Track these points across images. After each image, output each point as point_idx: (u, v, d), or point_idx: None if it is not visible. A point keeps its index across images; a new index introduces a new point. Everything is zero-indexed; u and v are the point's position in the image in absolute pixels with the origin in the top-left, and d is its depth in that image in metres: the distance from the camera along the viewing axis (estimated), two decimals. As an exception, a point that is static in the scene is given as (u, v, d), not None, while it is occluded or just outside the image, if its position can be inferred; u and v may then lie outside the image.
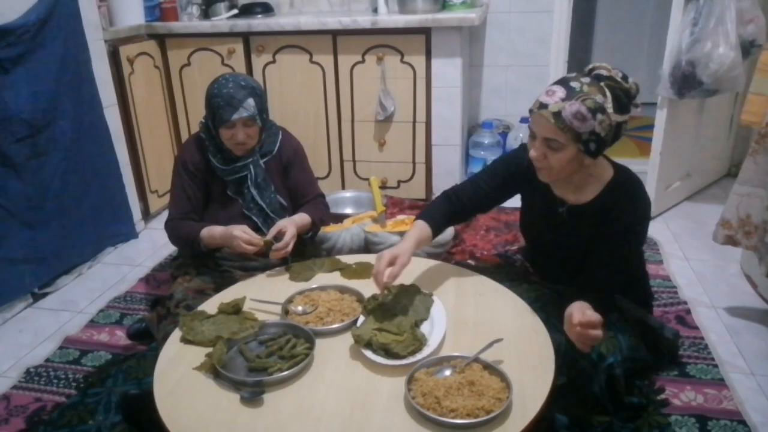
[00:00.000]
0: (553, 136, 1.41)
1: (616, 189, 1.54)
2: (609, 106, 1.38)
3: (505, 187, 1.72)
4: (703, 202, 3.04)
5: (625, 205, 1.51)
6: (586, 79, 1.41)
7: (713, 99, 2.70)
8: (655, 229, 2.75)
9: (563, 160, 1.44)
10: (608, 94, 1.39)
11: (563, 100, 1.38)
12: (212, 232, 1.86)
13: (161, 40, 3.10)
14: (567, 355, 1.46)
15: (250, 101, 1.83)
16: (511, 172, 1.68)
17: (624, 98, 1.40)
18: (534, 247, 1.84)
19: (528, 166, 1.58)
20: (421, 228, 1.66)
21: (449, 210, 1.73)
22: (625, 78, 1.41)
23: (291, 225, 1.85)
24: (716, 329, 2.02)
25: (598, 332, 1.33)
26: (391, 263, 1.52)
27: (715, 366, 1.82)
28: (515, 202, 1.79)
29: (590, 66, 1.45)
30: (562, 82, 1.42)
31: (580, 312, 1.33)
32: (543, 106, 1.40)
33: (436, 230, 1.68)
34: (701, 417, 1.61)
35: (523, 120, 3.36)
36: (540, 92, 1.45)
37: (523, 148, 1.65)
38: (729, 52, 2.38)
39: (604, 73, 1.41)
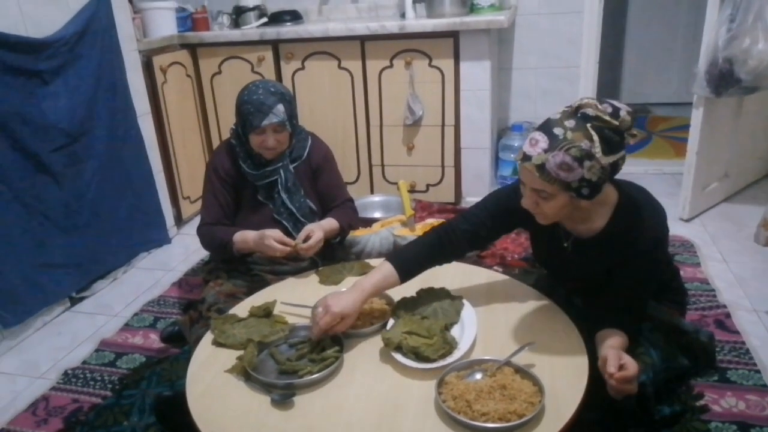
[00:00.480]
0: (540, 187, 1.33)
1: (623, 215, 1.43)
2: (597, 151, 1.27)
3: (503, 224, 1.62)
4: (742, 203, 2.94)
5: (638, 229, 1.41)
6: (571, 122, 1.29)
7: (752, 97, 2.62)
8: (691, 231, 2.68)
9: (555, 208, 1.36)
10: (595, 137, 1.27)
11: (546, 151, 1.28)
12: (245, 236, 1.88)
13: (193, 49, 3.17)
14: (597, 368, 1.41)
15: (280, 107, 1.85)
16: (509, 211, 1.56)
17: (615, 137, 1.29)
18: (550, 275, 1.78)
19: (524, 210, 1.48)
20: (385, 274, 1.50)
21: (430, 251, 1.57)
22: (615, 114, 1.29)
23: (319, 229, 1.86)
24: (758, 333, 1.95)
25: (632, 387, 1.26)
26: (337, 320, 1.41)
27: (758, 371, 1.75)
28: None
29: (577, 103, 1.32)
30: (545, 128, 1.32)
31: (616, 361, 1.24)
32: (526, 158, 1.31)
33: (405, 275, 1.52)
34: (743, 424, 1.55)
35: (554, 122, 3.31)
36: (525, 140, 1.35)
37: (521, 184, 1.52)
38: (768, 47, 2.31)
39: (591, 112, 1.28)
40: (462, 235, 1.57)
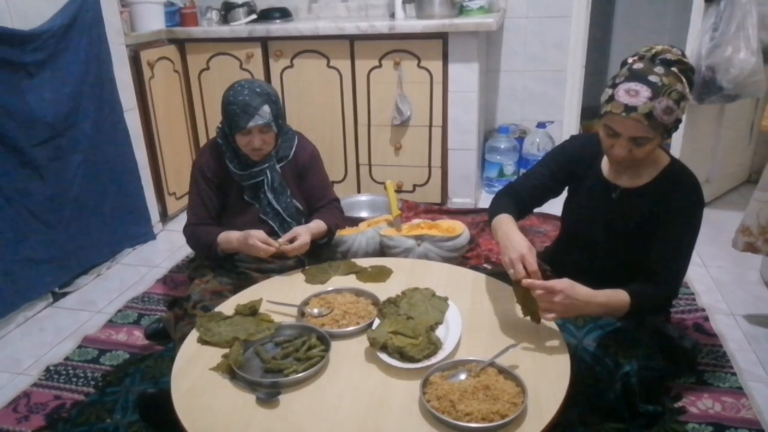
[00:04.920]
0: (643, 134, 1.40)
1: (673, 174, 1.55)
2: (687, 91, 1.41)
3: (558, 177, 1.74)
4: (722, 209, 3.00)
5: (684, 189, 1.52)
6: (660, 69, 1.39)
7: (733, 104, 2.68)
8: (673, 236, 2.72)
9: (648, 151, 1.45)
10: (684, 79, 1.40)
11: (651, 99, 1.36)
12: (229, 236, 1.88)
13: (181, 44, 3.15)
14: (582, 362, 1.46)
15: (266, 108, 1.85)
16: (564, 162, 1.71)
17: (692, 76, 1.44)
18: (570, 238, 1.81)
19: (580, 156, 1.64)
20: (511, 219, 1.63)
21: (514, 205, 1.72)
22: (683, 55, 1.43)
23: (306, 233, 1.86)
24: (735, 337, 1.99)
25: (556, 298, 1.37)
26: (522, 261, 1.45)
27: (734, 374, 1.79)
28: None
29: (651, 51, 1.42)
30: (639, 78, 1.38)
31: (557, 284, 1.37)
32: (631, 109, 1.37)
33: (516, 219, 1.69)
34: (719, 425, 1.59)
35: (540, 125, 3.34)
36: (612, 92, 1.41)
37: (572, 140, 1.75)
38: (750, 57, 2.36)
39: (670, 57, 1.40)
40: (526, 194, 1.74)
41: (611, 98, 1.41)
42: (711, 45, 2.43)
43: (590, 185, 1.66)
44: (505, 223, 1.59)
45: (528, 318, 1.44)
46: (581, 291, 1.40)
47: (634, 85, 1.37)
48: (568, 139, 1.79)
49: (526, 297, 1.42)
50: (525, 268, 1.42)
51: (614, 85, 1.42)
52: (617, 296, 1.46)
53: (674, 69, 1.39)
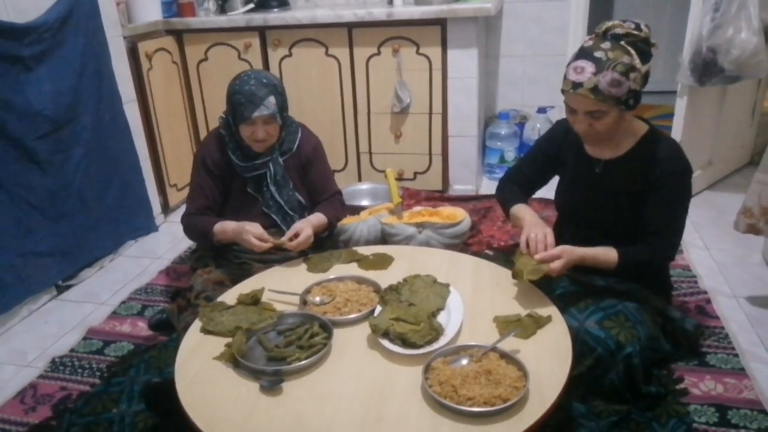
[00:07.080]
0: (594, 108, 1.46)
1: (652, 140, 1.59)
2: (637, 62, 1.43)
3: (547, 160, 1.80)
4: (724, 191, 2.99)
5: (664, 153, 1.56)
6: (606, 44, 1.44)
7: (735, 86, 2.65)
8: (675, 219, 2.71)
9: (609, 124, 1.50)
10: (632, 51, 1.43)
11: (595, 74, 1.42)
12: (224, 226, 1.88)
13: (179, 35, 3.13)
14: (584, 344, 1.46)
15: (271, 99, 1.84)
16: (549, 146, 1.78)
17: (645, 47, 1.46)
18: (566, 220, 1.84)
19: (564, 138, 1.69)
20: (528, 207, 1.75)
21: (519, 191, 1.83)
22: (638, 27, 1.45)
23: (308, 226, 1.86)
24: (737, 319, 1.99)
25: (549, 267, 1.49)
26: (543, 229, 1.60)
27: (736, 355, 1.80)
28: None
29: (603, 27, 1.47)
30: (585, 55, 1.45)
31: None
32: (577, 85, 1.45)
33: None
34: (721, 406, 1.60)
35: (540, 110, 3.33)
36: (566, 71, 1.48)
37: (558, 124, 1.78)
38: (751, 37, 2.33)
39: (620, 31, 1.44)
40: (521, 183, 1.85)
41: (564, 77, 1.49)
42: (712, 26, 2.41)
43: (575, 164, 1.71)
44: (527, 211, 1.72)
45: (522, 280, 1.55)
46: (576, 251, 1.55)
47: (580, 63, 1.45)
48: (555, 123, 1.84)
49: (525, 263, 1.54)
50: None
51: (568, 65, 1.49)
52: (606, 252, 1.58)
53: (622, 42, 1.43)
